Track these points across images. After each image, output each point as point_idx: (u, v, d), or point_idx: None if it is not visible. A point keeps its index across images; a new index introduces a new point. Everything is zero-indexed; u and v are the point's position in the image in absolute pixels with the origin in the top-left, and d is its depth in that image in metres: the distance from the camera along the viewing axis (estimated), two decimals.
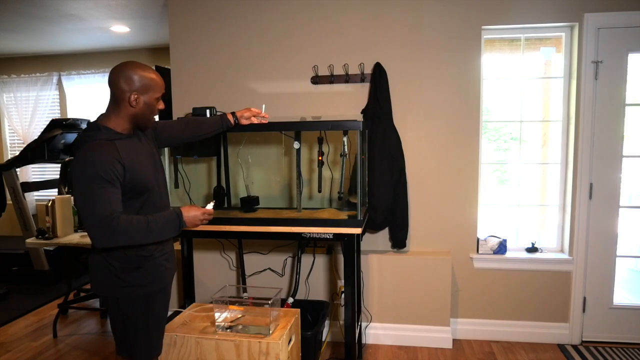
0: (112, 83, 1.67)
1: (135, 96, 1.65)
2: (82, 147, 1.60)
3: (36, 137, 4.47)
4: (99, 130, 1.64)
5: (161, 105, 1.77)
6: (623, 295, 3.03)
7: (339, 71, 3.01)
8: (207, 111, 2.57)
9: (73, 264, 4.45)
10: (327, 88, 3.03)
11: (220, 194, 2.87)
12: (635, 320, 2.96)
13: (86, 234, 3.19)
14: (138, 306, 1.73)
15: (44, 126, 4.42)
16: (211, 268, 3.26)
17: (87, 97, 5.53)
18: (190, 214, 1.75)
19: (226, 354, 2.01)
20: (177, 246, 3.10)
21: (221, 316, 2.10)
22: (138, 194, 1.69)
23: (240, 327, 2.07)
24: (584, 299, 2.98)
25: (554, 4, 2.82)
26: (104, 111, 1.73)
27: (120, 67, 1.67)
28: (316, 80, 3.03)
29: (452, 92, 2.95)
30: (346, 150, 2.44)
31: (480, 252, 3.03)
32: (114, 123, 1.67)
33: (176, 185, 2.93)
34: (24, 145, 4.81)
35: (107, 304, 1.77)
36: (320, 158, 2.57)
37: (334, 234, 2.28)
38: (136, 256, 1.71)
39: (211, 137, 2.18)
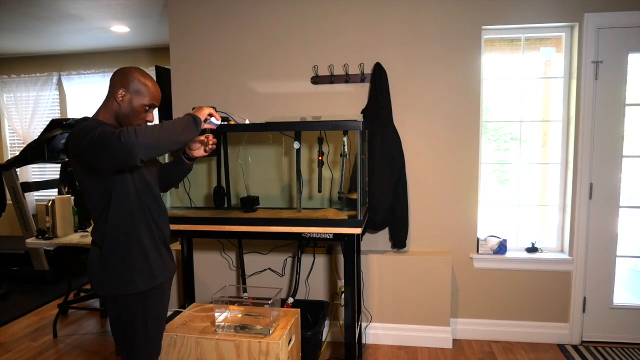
0: (110, 79, 1.73)
1: (123, 92, 1.68)
2: (72, 130, 1.65)
3: (36, 137, 4.47)
4: (86, 120, 1.70)
5: (150, 117, 1.76)
6: (623, 295, 3.03)
7: (339, 71, 3.01)
8: None
9: (73, 264, 4.46)
10: (327, 88, 3.03)
11: (220, 194, 2.87)
12: (635, 320, 2.96)
13: (86, 233, 3.21)
14: (136, 305, 1.73)
15: (44, 126, 4.42)
16: (211, 268, 3.26)
17: (87, 97, 5.54)
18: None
19: (226, 354, 2.01)
20: (177, 246, 3.11)
21: (221, 316, 2.10)
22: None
23: (240, 327, 2.07)
24: (584, 299, 2.98)
25: (554, 4, 2.82)
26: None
27: (122, 68, 1.73)
28: (316, 80, 3.03)
29: (452, 92, 2.95)
30: (346, 150, 2.44)
31: (480, 252, 3.03)
32: (102, 116, 1.72)
33: (176, 186, 2.93)
34: (24, 145, 4.81)
35: (106, 303, 1.77)
36: (320, 158, 2.57)
37: (334, 234, 2.28)
38: (130, 251, 1.71)
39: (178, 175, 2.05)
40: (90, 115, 1.80)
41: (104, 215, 1.69)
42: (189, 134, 1.67)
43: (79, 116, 5.41)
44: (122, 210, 1.69)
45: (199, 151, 1.95)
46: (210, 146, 1.94)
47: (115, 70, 1.75)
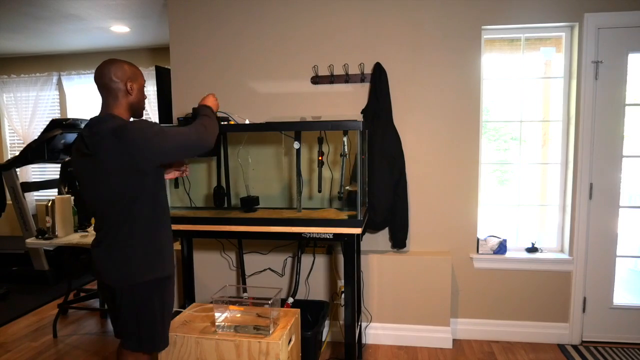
0: (105, 79, 1.73)
1: (131, 84, 1.77)
2: (123, 126, 1.66)
3: (36, 137, 4.47)
4: (114, 117, 1.73)
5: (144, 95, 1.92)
6: (623, 295, 3.03)
7: (339, 71, 3.01)
8: None
9: (73, 264, 4.46)
10: (327, 88, 3.03)
11: (220, 194, 2.87)
12: (635, 320, 2.96)
13: (86, 233, 3.21)
14: (154, 295, 1.78)
15: (44, 126, 4.42)
16: (211, 268, 3.27)
17: (87, 97, 5.54)
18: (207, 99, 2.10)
19: (226, 354, 2.01)
20: (177, 246, 3.10)
21: (221, 316, 2.10)
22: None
23: (240, 327, 2.07)
24: (584, 299, 2.98)
25: (554, 4, 2.82)
26: (98, 113, 1.78)
27: (106, 64, 1.75)
28: (316, 80, 3.03)
29: (452, 92, 2.95)
30: (346, 150, 2.44)
31: (480, 252, 3.03)
32: (123, 115, 1.78)
33: (176, 186, 2.93)
34: (24, 145, 4.81)
35: (119, 298, 1.76)
36: (320, 158, 2.57)
37: (334, 234, 2.28)
38: (158, 238, 1.80)
39: None
40: (92, 115, 1.89)
41: (131, 207, 1.72)
42: (214, 121, 1.95)
43: (79, 116, 5.41)
44: (152, 202, 1.77)
45: (172, 174, 2.15)
46: (185, 173, 2.19)
47: (98, 70, 1.76)
